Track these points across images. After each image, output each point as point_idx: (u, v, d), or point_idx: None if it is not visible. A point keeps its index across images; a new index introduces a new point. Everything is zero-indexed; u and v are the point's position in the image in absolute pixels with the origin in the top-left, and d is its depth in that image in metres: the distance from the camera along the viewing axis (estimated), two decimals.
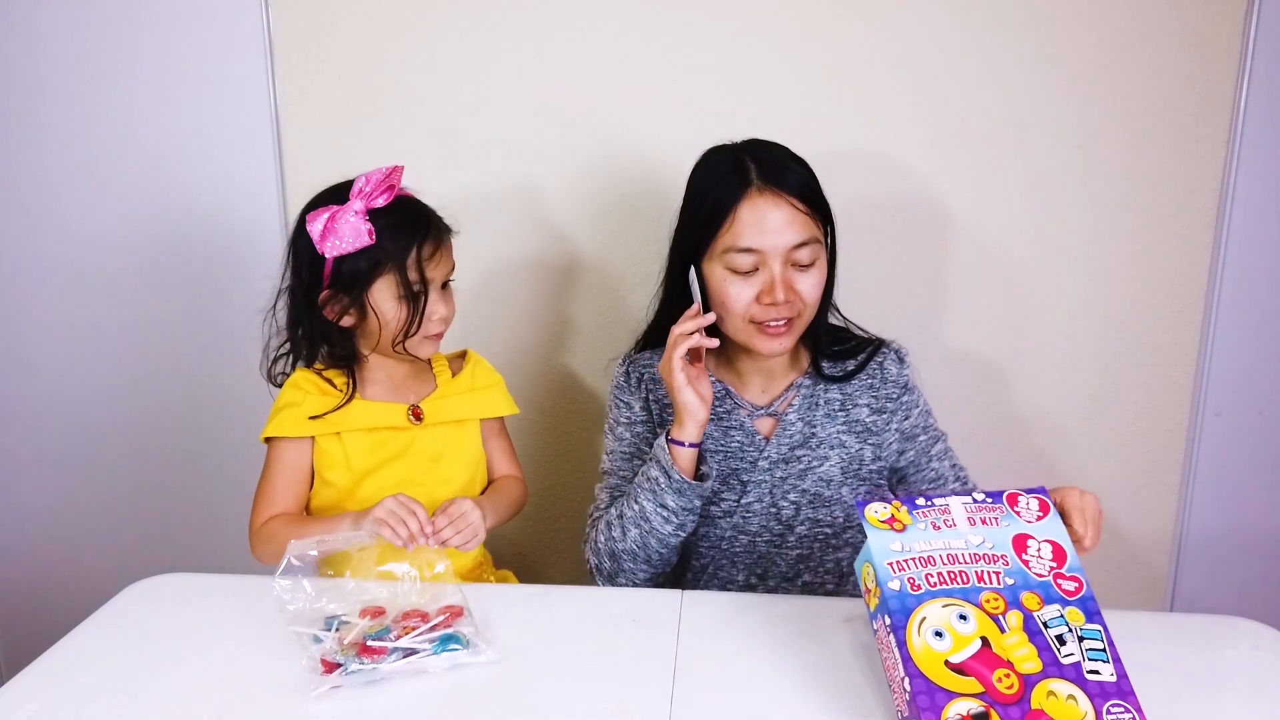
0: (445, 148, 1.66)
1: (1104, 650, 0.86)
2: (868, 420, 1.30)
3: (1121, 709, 0.82)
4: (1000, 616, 0.87)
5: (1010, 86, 1.59)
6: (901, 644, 0.86)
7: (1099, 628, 0.87)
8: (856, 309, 1.38)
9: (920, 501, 0.96)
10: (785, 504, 1.28)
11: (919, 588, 0.89)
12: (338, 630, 0.99)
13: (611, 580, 1.27)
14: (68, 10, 1.64)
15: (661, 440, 1.21)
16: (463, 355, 1.41)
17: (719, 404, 1.30)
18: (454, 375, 1.37)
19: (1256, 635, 1.06)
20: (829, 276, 1.26)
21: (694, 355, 1.20)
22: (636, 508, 1.22)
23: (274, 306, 1.30)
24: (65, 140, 1.69)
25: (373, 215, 1.21)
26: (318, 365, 1.31)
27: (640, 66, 1.61)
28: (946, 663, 0.84)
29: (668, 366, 1.18)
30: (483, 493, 1.37)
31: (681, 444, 1.20)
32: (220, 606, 1.11)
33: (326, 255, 1.20)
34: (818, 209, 1.21)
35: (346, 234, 1.19)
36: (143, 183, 1.71)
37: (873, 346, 1.34)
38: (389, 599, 1.05)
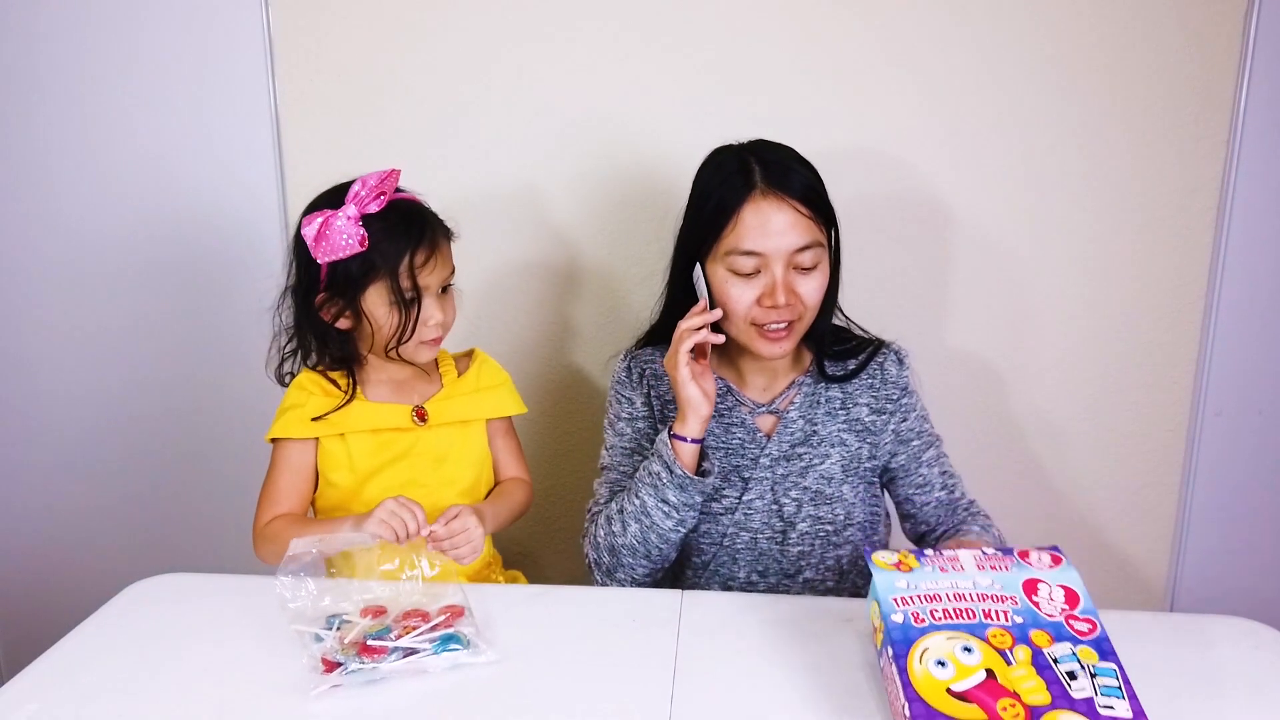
0: (445, 148, 1.66)
1: (1119, 688, 0.82)
2: (867, 419, 1.31)
3: None
4: (1007, 651, 0.85)
5: (1010, 86, 1.59)
6: (903, 671, 0.84)
7: (1114, 666, 0.84)
8: (856, 309, 1.38)
9: (929, 551, 0.96)
10: (787, 501, 1.29)
11: (923, 621, 0.87)
12: (339, 629, 0.99)
13: (610, 575, 1.27)
14: (68, 10, 1.64)
15: (664, 435, 1.22)
16: (470, 354, 1.41)
17: (721, 401, 1.31)
18: (460, 375, 1.37)
19: (1256, 635, 1.06)
20: (833, 279, 1.26)
21: (699, 351, 1.21)
22: (637, 502, 1.22)
23: (279, 305, 1.30)
24: (65, 140, 1.69)
25: (367, 220, 1.19)
26: (320, 366, 1.31)
27: (640, 66, 1.61)
28: (949, 690, 0.82)
29: (673, 361, 1.19)
30: (488, 494, 1.37)
31: (684, 439, 1.20)
32: (220, 606, 1.11)
33: (319, 260, 1.20)
34: (821, 212, 1.21)
35: (339, 240, 1.18)
36: (143, 183, 1.71)
37: (873, 347, 1.34)
38: (390, 598, 1.05)
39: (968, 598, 0.90)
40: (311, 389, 1.27)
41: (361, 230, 1.19)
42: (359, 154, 1.66)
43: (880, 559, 0.94)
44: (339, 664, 0.95)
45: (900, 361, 1.33)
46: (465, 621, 1.02)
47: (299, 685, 0.93)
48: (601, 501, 1.32)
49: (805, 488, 1.28)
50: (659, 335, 1.37)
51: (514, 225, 1.69)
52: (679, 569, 1.36)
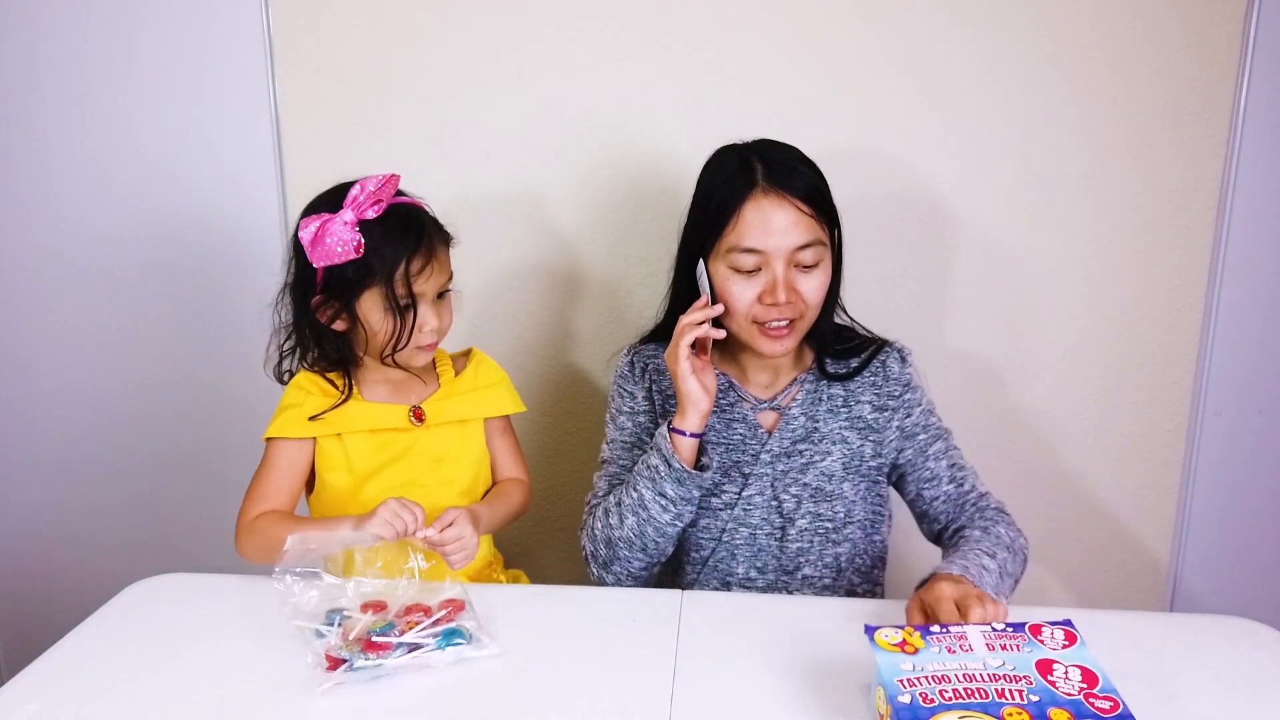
0: (444, 147, 1.66)
1: None
2: (869, 417, 1.31)
3: None
4: None
5: (1010, 86, 1.59)
6: None
7: None
8: (857, 308, 1.38)
9: (935, 629, 0.91)
10: (786, 497, 1.29)
11: (932, 701, 0.81)
12: (340, 625, 0.99)
13: (606, 568, 1.27)
14: (68, 10, 1.64)
15: (663, 429, 1.22)
16: (467, 354, 1.40)
17: (722, 396, 1.31)
18: (457, 374, 1.36)
19: (1256, 635, 1.06)
20: (835, 278, 1.27)
21: (700, 347, 1.21)
22: (635, 495, 1.23)
23: (278, 302, 1.29)
24: (65, 140, 1.69)
25: (364, 225, 1.18)
26: (318, 366, 1.31)
27: (640, 66, 1.61)
28: None
29: (674, 354, 1.20)
30: (485, 494, 1.37)
31: (683, 433, 1.21)
32: (220, 606, 1.11)
33: (315, 264, 1.19)
34: (824, 211, 1.22)
35: (334, 245, 1.17)
36: (143, 183, 1.71)
37: (876, 346, 1.34)
38: (390, 593, 1.05)
39: (979, 678, 0.84)
40: (309, 389, 1.27)
41: (358, 237, 1.17)
42: (359, 154, 1.66)
43: (883, 639, 0.89)
44: (343, 661, 0.95)
45: (903, 359, 1.33)
46: (467, 615, 1.02)
47: (300, 684, 0.94)
48: (600, 494, 1.32)
49: (805, 484, 1.29)
50: (663, 332, 1.37)
51: (514, 225, 1.69)
52: (677, 564, 1.36)
